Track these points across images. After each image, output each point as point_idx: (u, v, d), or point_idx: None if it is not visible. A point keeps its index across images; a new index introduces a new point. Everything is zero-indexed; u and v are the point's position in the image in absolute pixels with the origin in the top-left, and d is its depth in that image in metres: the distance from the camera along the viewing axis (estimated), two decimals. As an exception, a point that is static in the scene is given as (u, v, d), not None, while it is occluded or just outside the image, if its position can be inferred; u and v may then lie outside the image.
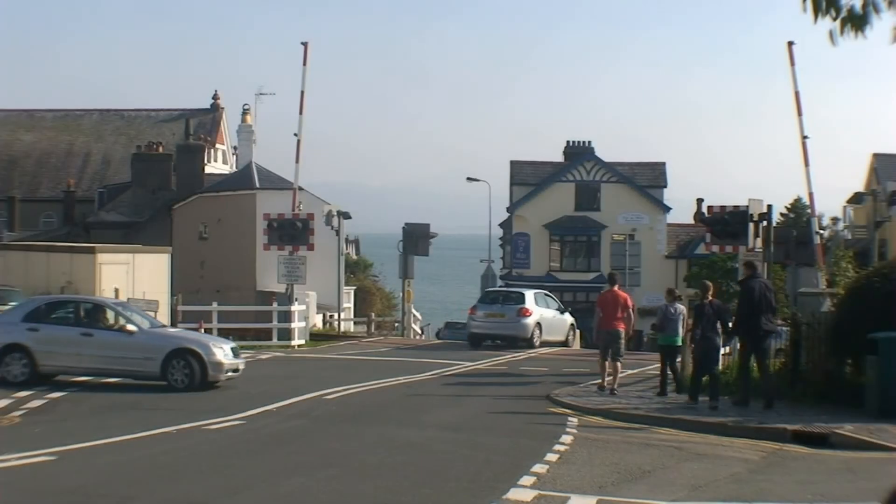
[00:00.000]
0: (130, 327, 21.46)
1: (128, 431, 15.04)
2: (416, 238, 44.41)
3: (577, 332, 37.65)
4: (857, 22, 6.94)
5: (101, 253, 36.08)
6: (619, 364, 21.61)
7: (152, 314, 27.43)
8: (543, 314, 35.88)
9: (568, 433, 15.84)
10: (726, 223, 24.78)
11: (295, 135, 38.50)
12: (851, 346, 18.66)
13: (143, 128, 67.01)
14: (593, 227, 62.30)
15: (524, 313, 35.07)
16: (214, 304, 35.35)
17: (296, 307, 35.62)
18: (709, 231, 25.87)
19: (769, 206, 24.64)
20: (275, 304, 36.96)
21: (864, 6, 6.92)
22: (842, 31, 6.98)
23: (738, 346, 20.91)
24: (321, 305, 43.32)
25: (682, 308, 21.53)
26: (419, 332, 52.86)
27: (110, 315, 22.08)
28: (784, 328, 22.13)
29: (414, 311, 49.41)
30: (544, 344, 35.28)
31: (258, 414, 17.49)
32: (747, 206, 24.31)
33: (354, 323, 50.00)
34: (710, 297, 19.67)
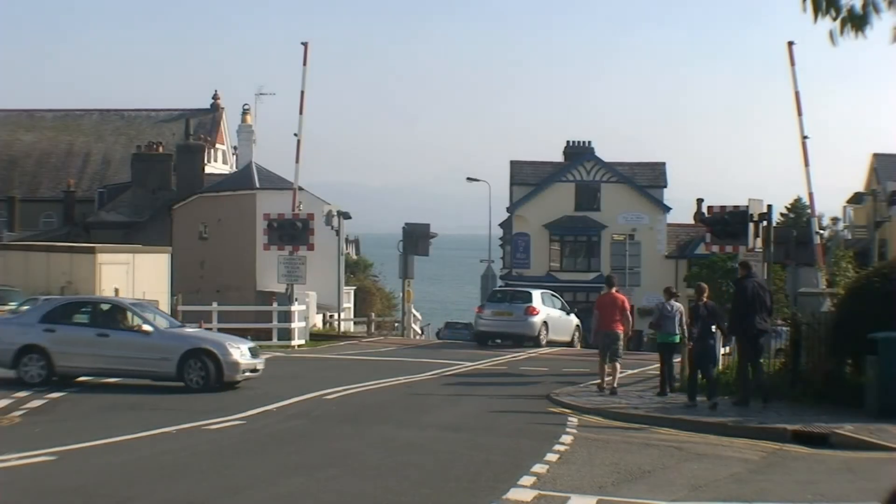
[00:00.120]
0: (146, 327, 21.32)
1: (128, 431, 15.04)
2: (416, 238, 44.42)
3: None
4: (857, 22, 6.94)
5: (101, 253, 36.11)
6: (617, 364, 21.64)
7: None
8: (550, 313, 36.28)
9: (568, 433, 15.84)
10: (726, 223, 24.79)
11: (295, 135, 38.51)
12: (851, 346, 18.66)
13: (143, 128, 67.02)
14: (593, 227, 62.30)
15: (531, 312, 35.43)
16: (214, 304, 35.35)
17: (296, 307, 35.61)
18: (709, 231, 25.88)
19: (769, 206, 24.65)
20: (275, 304, 36.96)
21: (864, 6, 6.92)
22: (842, 31, 6.98)
23: (736, 346, 20.94)
24: (321, 305, 43.32)
25: (678, 306, 21.56)
26: (419, 332, 52.88)
27: (127, 315, 21.94)
28: (784, 328, 22.14)
29: (414, 311, 49.42)
30: (550, 343, 35.56)
31: (258, 414, 17.49)
32: (747, 206, 24.31)
33: (354, 323, 50.00)
34: (705, 299, 19.75)
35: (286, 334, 34.97)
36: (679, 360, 21.74)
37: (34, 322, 21.84)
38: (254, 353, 21.88)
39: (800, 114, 32.24)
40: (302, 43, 38.62)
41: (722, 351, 22.61)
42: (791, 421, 16.90)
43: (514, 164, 65.89)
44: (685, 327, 20.84)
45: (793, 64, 32.22)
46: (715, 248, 27.94)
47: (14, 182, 63.23)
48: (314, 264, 37.34)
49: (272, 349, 32.35)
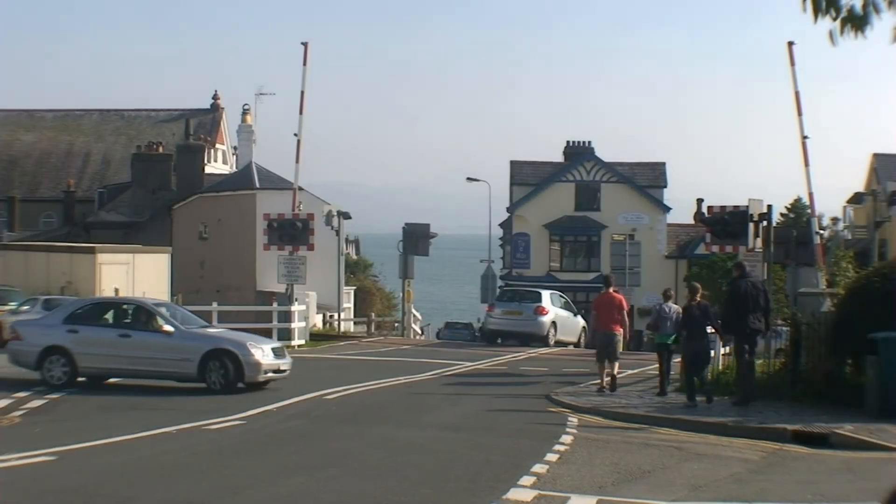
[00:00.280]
0: (167, 328, 21.07)
1: (128, 431, 15.04)
2: (416, 238, 44.43)
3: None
4: (857, 22, 6.94)
5: (101, 253, 36.14)
6: (616, 364, 21.73)
7: None
8: (559, 314, 36.83)
9: (568, 433, 15.84)
10: (726, 223, 24.78)
11: (295, 135, 38.50)
12: (851, 346, 18.66)
13: (143, 128, 67.05)
14: (593, 227, 62.31)
15: (541, 311, 35.95)
16: (214, 304, 35.34)
17: (296, 307, 35.61)
18: (709, 231, 25.87)
19: (769, 206, 24.64)
20: (275, 304, 36.95)
21: (864, 6, 6.92)
22: (842, 32, 6.98)
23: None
24: (321, 305, 43.32)
25: (676, 307, 21.60)
26: (419, 332, 52.89)
27: (149, 316, 21.68)
28: (784, 328, 22.14)
29: (414, 311, 49.43)
30: (558, 343, 35.99)
31: (258, 414, 17.49)
32: (747, 206, 24.30)
33: (354, 323, 50.01)
34: (698, 299, 19.85)
35: (286, 334, 34.94)
36: (679, 360, 21.76)
37: (58, 323, 21.75)
38: (277, 353, 21.56)
39: (800, 114, 32.23)
40: (302, 43, 38.62)
41: (722, 351, 22.63)
42: (791, 421, 16.90)
43: (514, 164, 65.91)
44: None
45: (793, 64, 32.21)
46: (715, 249, 27.92)
47: (14, 182, 63.25)
48: (314, 264, 37.33)
49: (272, 349, 32.33)
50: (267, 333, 35.05)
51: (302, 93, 38.39)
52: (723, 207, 25.45)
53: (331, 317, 45.55)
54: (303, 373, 25.20)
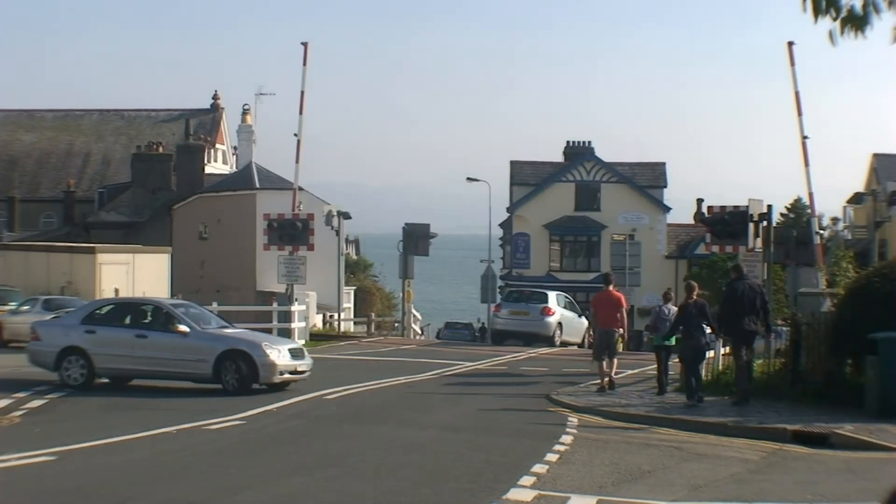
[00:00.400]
0: (182, 328, 20.88)
1: (128, 431, 15.04)
2: (416, 238, 44.45)
3: None
4: (857, 22, 6.94)
5: (101, 253, 36.16)
6: (615, 361, 21.91)
7: None
8: (564, 314, 37.36)
9: (568, 433, 15.84)
10: (726, 223, 24.79)
11: (295, 135, 38.50)
12: (851, 346, 18.67)
13: (143, 128, 67.07)
14: (593, 227, 62.31)
15: (547, 312, 36.56)
16: (214, 305, 35.29)
17: (296, 307, 35.61)
18: (709, 231, 25.87)
19: (769, 206, 24.65)
20: (275, 304, 36.95)
21: (864, 6, 6.92)
22: (842, 32, 6.98)
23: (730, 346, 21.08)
24: (321, 305, 43.32)
25: (675, 309, 21.66)
26: (419, 332, 52.91)
27: (165, 316, 21.43)
28: (784, 328, 22.16)
29: (414, 311, 49.44)
30: (564, 344, 36.38)
31: (258, 414, 17.49)
32: (747, 206, 24.31)
33: (354, 323, 50.01)
34: (695, 297, 19.94)
35: (286, 334, 34.92)
36: (676, 360, 21.80)
37: (76, 323, 21.69)
38: (295, 354, 21.22)
39: (800, 114, 32.24)
40: (302, 43, 38.64)
41: (723, 351, 22.65)
42: (791, 421, 16.90)
43: (514, 164, 65.92)
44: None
45: (793, 64, 32.22)
46: (715, 249, 27.93)
47: (14, 182, 63.25)
48: (314, 264, 37.33)
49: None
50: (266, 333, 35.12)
51: (302, 93, 38.42)
52: (723, 207, 25.45)
53: (331, 317, 45.55)
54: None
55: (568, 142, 67.13)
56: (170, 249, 40.04)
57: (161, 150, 53.87)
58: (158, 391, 20.73)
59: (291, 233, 35.77)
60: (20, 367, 24.26)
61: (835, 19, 6.96)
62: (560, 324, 36.69)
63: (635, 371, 26.32)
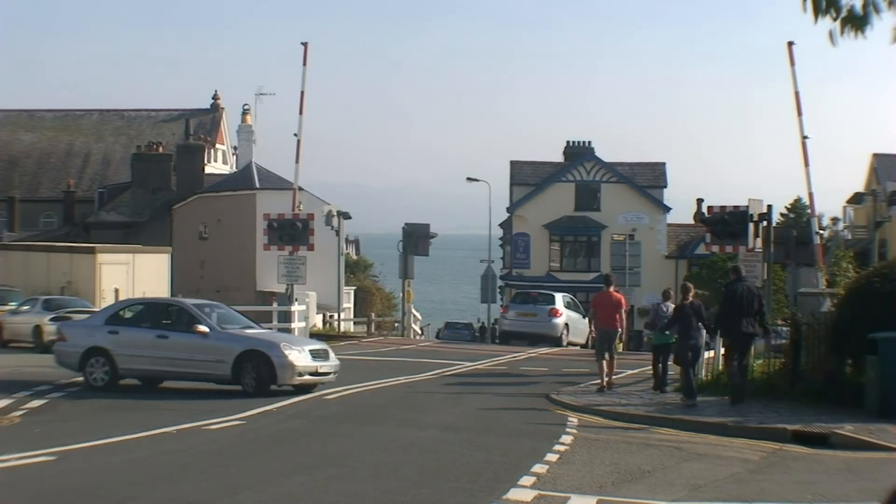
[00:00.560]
0: (201, 328, 20.60)
1: (128, 431, 15.03)
2: (416, 238, 44.46)
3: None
4: (857, 22, 6.94)
5: (101, 253, 36.18)
6: (614, 360, 22.09)
7: None
8: (570, 315, 38.08)
9: (568, 433, 15.84)
10: (726, 223, 24.82)
11: (295, 135, 38.51)
12: (851, 346, 18.67)
13: (143, 128, 67.08)
14: (593, 227, 62.32)
15: (554, 314, 37.39)
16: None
17: (296, 307, 35.62)
18: (709, 231, 25.89)
19: (769, 206, 24.67)
20: (275, 304, 36.98)
21: (865, 6, 6.91)
22: (842, 32, 6.98)
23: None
24: (321, 305, 43.33)
25: (674, 307, 21.73)
26: (419, 332, 52.93)
27: (186, 316, 21.15)
28: (784, 328, 22.17)
29: (414, 311, 49.46)
30: (570, 345, 36.96)
31: (258, 414, 17.49)
32: (747, 206, 24.33)
33: (354, 323, 50.02)
34: (691, 299, 20.01)
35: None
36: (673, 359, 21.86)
37: (100, 324, 21.61)
38: (317, 355, 20.77)
39: (800, 114, 32.23)
40: (302, 43, 38.65)
41: (723, 351, 22.67)
42: (791, 421, 16.89)
43: (514, 164, 65.95)
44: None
45: (793, 64, 32.20)
46: (715, 249, 27.94)
47: (14, 182, 63.26)
48: (314, 264, 37.34)
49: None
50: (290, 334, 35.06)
51: (302, 93, 38.43)
52: (723, 207, 25.47)
53: (331, 317, 45.56)
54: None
55: (568, 142, 67.18)
56: (170, 249, 40.05)
57: (161, 150, 53.88)
58: (159, 391, 20.72)
59: (291, 233, 35.78)
60: (20, 367, 24.31)
61: (835, 19, 6.96)
62: (567, 325, 37.41)
63: (635, 371, 26.33)
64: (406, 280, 44.93)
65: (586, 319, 38.23)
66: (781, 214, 71.22)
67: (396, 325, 50.57)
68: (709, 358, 22.63)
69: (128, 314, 22.07)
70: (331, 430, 16.17)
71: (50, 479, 11.80)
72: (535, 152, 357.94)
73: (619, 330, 22.20)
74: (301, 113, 38.35)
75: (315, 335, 38.54)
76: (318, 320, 43.79)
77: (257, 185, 46.40)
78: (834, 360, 19.67)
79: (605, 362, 21.66)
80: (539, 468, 12.66)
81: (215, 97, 69.60)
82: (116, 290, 33.62)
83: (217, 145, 66.89)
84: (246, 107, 70.39)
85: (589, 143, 66.81)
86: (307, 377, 20.50)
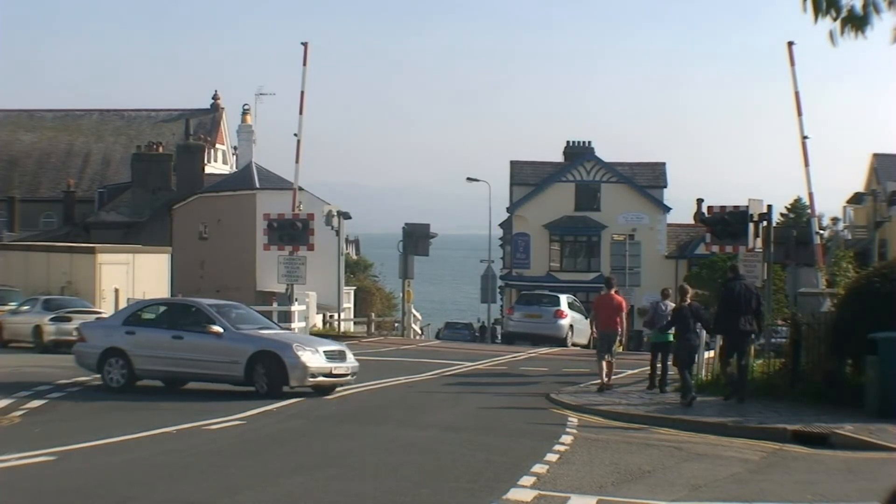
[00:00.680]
0: (215, 328, 20.32)
1: (128, 431, 15.03)
2: (416, 238, 44.46)
3: None
4: (857, 22, 6.94)
5: (101, 253, 36.17)
6: (613, 363, 22.17)
7: None
8: (574, 317, 38.38)
9: (568, 433, 15.84)
10: (726, 223, 24.85)
11: (295, 135, 38.53)
12: (851, 346, 18.67)
13: (143, 128, 67.08)
14: (593, 227, 62.32)
15: (560, 315, 37.79)
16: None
17: (296, 307, 35.63)
18: (709, 231, 25.92)
19: (769, 206, 24.69)
20: (275, 304, 36.99)
21: (865, 6, 6.91)
22: (842, 32, 6.98)
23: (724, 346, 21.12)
24: (321, 305, 43.33)
25: (673, 306, 21.75)
26: (419, 332, 52.94)
27: (202, 317, 20.98)
28: (784, 328, 22.19)
29: (414, 311, 49.47)
30: (574, 346, 37.21)
31: (258, 414, 17.49)
32: (747, 206, 24.35)
33: (354, 323, 50.03)
34: (689, 300, 20.05)
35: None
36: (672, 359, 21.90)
37: (118, 324, 21.56)
38: (332, 356, 20.32)
39: (800, 114, 32.24)
40: (302, 43, 38.70)
41: (717, 349, 22.70)
42: (791, 421, 16.90)
43: (514, 164, 65.95)
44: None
45: (793, 64, 32.22)
46: (715, 249, 27.96)
47: (14, 182, 63.27)
48: (314, 264, 37.36)
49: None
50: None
51: (302, 93, 38.46)
52: (723, 207, 25.49)
53: (331, 317, 45.55)
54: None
55: (568, 142, 67.18)
56: (170, 249, 40.05)
57: (161, 150, 53.88)
58: (158, 391, 20.72)
59: (291, 233, 35.81)
60: (20, 367, 24.31)
61: (835, 19, 6.96)
62: (572, 326, 37.73)
63: (635, 371, 26.32)
64: (406, 280, 44.93)
65: (588, 320, 38.56)
66: (781, 214, 71.23)
67: (396, 325, 50.57)
68: (709, 358, 22.65)
69: (146, 315, 21.97)
70: (331, 430, 16.17)
71: (50, 479, 11.80)
72: (535, 152, 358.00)
73: (620, 332, 22.33)
74: (301, 113, 38.39)
75: (315, 335, 38.56)
76: (318, 320, 43.79)
77: (257, 185, 46.41)
78: (834, 360, 19.67)
79: (605, 363, 21.71)
80: (539, 468, 12.66)
81: (215, 97, 69.61)
82: (116, 291, 33.62)
83: (217, 145, 66.89)
84: (246, 107, 70.47)
85: (589, 143, 66.83)
86: (321, 378, 20.04)
